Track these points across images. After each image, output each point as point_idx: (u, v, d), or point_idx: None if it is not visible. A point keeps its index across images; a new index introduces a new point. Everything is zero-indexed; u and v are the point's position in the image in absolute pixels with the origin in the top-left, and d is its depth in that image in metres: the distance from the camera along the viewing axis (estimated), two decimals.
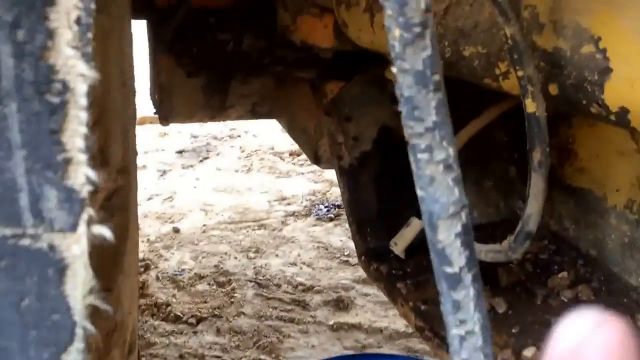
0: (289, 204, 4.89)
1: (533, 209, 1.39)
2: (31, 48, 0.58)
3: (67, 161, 0.59)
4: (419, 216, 2.00)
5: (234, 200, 4.89)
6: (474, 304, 0.58)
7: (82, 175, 0.60)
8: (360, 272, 3.78)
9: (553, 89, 1.34)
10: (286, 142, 5.62)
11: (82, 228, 0.62)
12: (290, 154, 5.66)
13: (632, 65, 1.15)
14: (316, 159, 2.64)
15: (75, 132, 0.59)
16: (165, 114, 2.95)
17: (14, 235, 0.61)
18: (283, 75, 2.62)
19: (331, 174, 4.91)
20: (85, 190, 0.61)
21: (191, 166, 5.50)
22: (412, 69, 0.55)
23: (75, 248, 0.63)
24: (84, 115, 0.59)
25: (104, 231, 0.62)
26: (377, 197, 2.01)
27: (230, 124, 5.84)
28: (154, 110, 3.07)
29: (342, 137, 2.06)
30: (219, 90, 2.99)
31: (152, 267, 3.98)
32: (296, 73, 2.53)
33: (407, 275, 1.78)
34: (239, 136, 6.03)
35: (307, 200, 4.93)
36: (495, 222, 1.99)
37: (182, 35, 2.73)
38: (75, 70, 0.58)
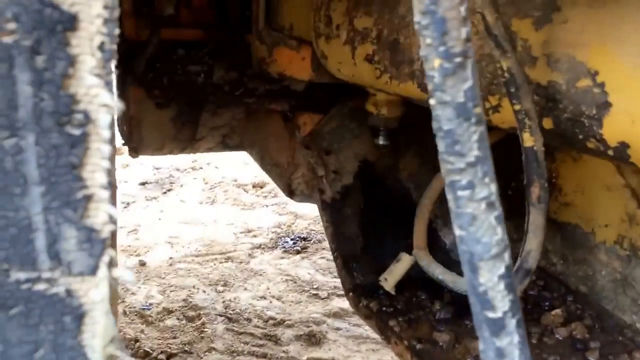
0: (254, 236, 4.83)
1: (532, 245, 1.36)
2: (51, 75, 0.53)
3: (88, 198, 0.55)
4: (406, 250, 1.99)
5: (199, 233, 4.82)
6: (519, 352, 0.54)
7: (103, 213, 0.56)
8: (331, 306, 3.73)
9: (547, 123, 1.32)
10: (249, 174, 5.57)
11: (102, 271, 0.57)
12: (254, 186, 5.61)
13: (632, 99, 1.13)
14: (290, 192, 2.59)
15: (97, 167, 0.55)
16: (135, 145, 2.89)
17: (28, 280, 0.57)
18: (255, 107, 2.57)
19: (295, 206, 4.88)
20: (106, 230, 0.56)
21: (155, 198, 5.42)
22: (452, 101, 0.52)
23: (94, 293, 0.58)
24: (106, 149, 0.54)
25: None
26: (362, 231, 1.97)
27: (192, 155, 5.77)
28: (122, 142, 3.01)
29: (323, 171, 2.03)
30: (189, 122, 2.94)
31: (119, 301, 3.88)
32: (268, 105, 2.50)
33: (398, 312, 1.74)
34: (202, 168, 5.96)
35: (272, 232, 4.88)
36: None
37: (152, 67, 2.69)
38: (98, 100, 0.53)
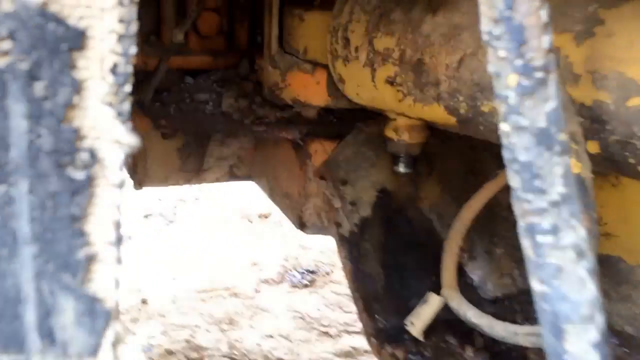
0: (260, 269, 4.70)
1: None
2: (52, 106, 0.42)
3: (91, 258, 0.43)
4: (432, 288, 1.87)
5: (203, 267, 4.69)
6: None
7: (109, 277, 0.44)
8: (342, 345, 3.60)
9: (593, 147, 1.21)
10: (255, 204, 5.45)
11: (106, 352, 0.45)
12: (260, 216, 5.50)
13: None
14: (301, 224, 2.47)
15: (104, 219, 0.43)
16: (140, 177, 2.79)
17: None
18: (265, 135, 2.47)
19: (302, 237, 4.76)
20: (112, 299, 0.44)
21: (158, 231, 5.30)
22: (531, 125, 0.41)
23: None
24: (116, 195, 0.43)
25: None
26: (383, 268, 1.85)
27: (197, 185, 5.64)
28: (128, 174, 2.92)
29: (339, 202, 1.91)
30: (196, 152, 2.85)
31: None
32: (279, 133, 2.39)
33: None
34: (207, 198, 5.84)
35: (279, 265, 4.75)
36: (512, 295, 1.84)
37: (158, 96, 2.60)
38: (108, 134, 0.42)
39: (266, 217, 5.45)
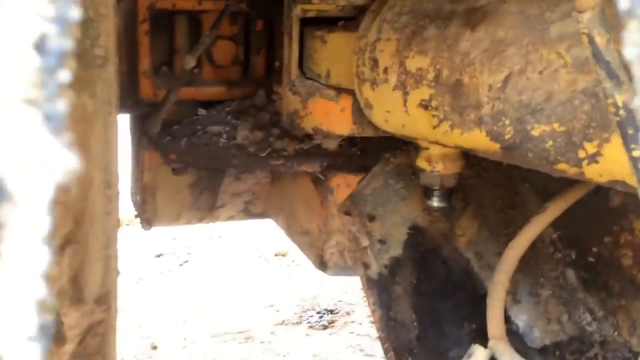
0: (277, 310, 4.51)
1: None
2: None
3: None
4: (473, 339, 1.69)
5: (216, 309, 4.51)
6: None
7: None
8: None
9: None
10: (271, 243, 5.28)
11: None
12: (276, 255, 5.33)
13: None
14: (322, 264, 2.30)
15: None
16: (148, 216, 2.64)
17: None
18: (282, 169, 2.32)
19: (320, 275, 4.57)
20: None
21: (170, 271, 5.12)
22: None
23: None
24: (38, 254, 0.26)
25: None
26: (416, 314, 1.67)
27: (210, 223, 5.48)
28: (135, 213, 2.77)
29: (367, 240, 1.75)
30: (208, 188, 2.70)
31: None
32: (297, 167, 2.23)
33: None
34: (220, 236, 5.67)
35: (296, 305, 4.56)
36: (561, 342, 1.65)
37: (168, 129, 2.45)
38: (29, 153, 0.26)
39: (283, 256, 5.28)
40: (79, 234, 0.70)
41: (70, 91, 0.30)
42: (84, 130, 0.75)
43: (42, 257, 0.28)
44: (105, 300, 0.84)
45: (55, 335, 0.42)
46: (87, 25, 0.85)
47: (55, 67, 0.29)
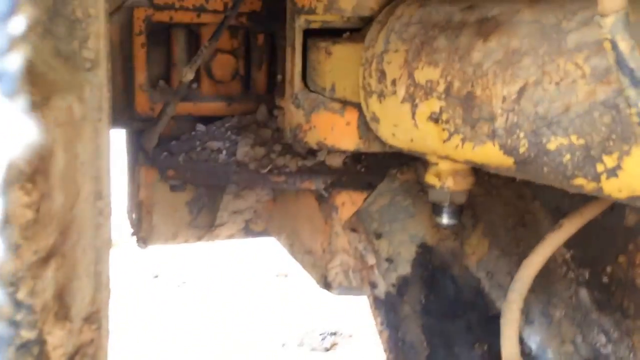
0: (277, 332, 4.45)
1: None
2: None
3: None
4: (491, 359, 1.63)
5: (216, 331, 4.44)
6: None
7: None
8: None
9: None
10: (272, 263, 5.23)
11: None
12: (277, 276, 5.27)
13: None
14: (326, 284, 2.24)
15: None
16: (145, 235, 2.58)
17: None
18: (284, 187, 2.26)
19: (322, 295, 4.53)
20: None
21: (167, 293, 5.05)
22: None
23: None
24: None
25: None
26: (425, 335, 1.61)
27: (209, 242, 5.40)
28: (131, 231, 2.71)
29: (374, 259, 1.69)
30: (207, 206, 2.64)
31: None
32: (300, 184, 2.18)
33: None
34: (220, 256, 5.60)
35: (297, 326, 4.50)
36: None
37: (166, 145, 2.40)
38: None
39: (285, 276, 5.23)
40: (64, 246, 0.65)
41: (28, 44, 0.25)
42: (71, 135, 0.69)
43: None
44: (96, 319, 0.79)
45: (37, 355, 0.37)
46: (74, 25, 0.80)
47: (5, 15, 0.24)
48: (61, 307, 0.61)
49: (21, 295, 0.55)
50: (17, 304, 0.55)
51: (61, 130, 0.51)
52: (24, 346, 0.49)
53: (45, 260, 0.42)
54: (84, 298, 0.75)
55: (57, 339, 0.44)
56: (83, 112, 0.77)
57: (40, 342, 0.54)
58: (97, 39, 0.86)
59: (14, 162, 0.38)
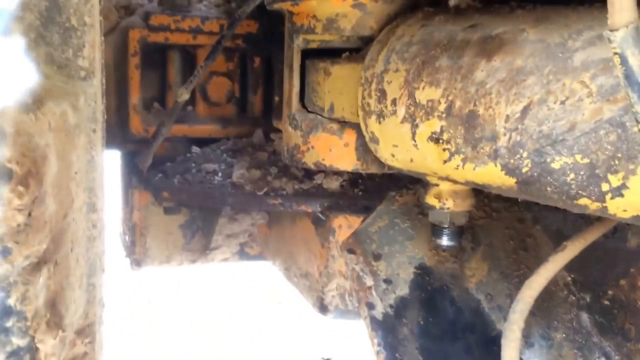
0: (272, 357, 4.41)
1: None
2: None
3: None
4: None
5: (211, 356, 4.39)
6: None
7: None
8: None
9: None
10: (267, 288, 5.20)
11: None
12: (272, 302, 5.24)
13: None
14: (322, 308, 2.22)
15: None
16: (138, 257, 2.56)
17: None
18: (280, 209, 2.24)
19: (317, 321, 4.51)
20: None
21: (161, 318, 5.00)
22: None
23: None
24: None
25: None
26: (423, 357, 1.59)
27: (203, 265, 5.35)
28: (124, 254, 2.68)
29: (372, 280, 1.66)
30: (202, 229, 2.62)
31: None
32: (297, 207, 2.16)
33: None
34: (214, 279, 5.55)
35: (292, 352, 4.46)
36: None
37: (161, 167, 2.38)
38: None
39: (279, 303, 5.19)
40: (57, 254, 0.63)
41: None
42: (65, 141, 0.68)
43: None
44: (89, 332, 0.77)
45: None
46: (69, 33, 0.79)
47: None
48: (53, 316, 0.59)
49: (12, 300, 0.53)
50: (8, 310, 0.53)
51: (55, 136, 0.49)
52: (15, 354, 0.46)
53: (37, 266, 0.40)
54: (77, 310, 0.72)
55: (50, 347, 0.42)
56: (77, 121, 0.75)
57: (32, 349, 0.51)
58: (93, 48, 0.85)
59: (5, 163, 0.35)
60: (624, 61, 0.92)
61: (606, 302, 1.62)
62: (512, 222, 1.83)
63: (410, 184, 1.91)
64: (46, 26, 0.74)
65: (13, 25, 0.61)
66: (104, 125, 1.00)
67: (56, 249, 0.62)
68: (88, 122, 0.84)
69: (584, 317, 1.66)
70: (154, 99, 2.52)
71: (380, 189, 2.11)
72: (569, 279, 1.70)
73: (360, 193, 2.16)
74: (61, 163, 0.62)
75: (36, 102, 0.60)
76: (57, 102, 0.56)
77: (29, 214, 0.54)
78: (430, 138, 1.44)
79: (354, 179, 2.20)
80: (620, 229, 1.59)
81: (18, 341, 0.41)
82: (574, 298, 1.68)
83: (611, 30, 0.92)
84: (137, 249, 2.58)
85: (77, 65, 0.82)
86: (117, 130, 2.42)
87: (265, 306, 5.27)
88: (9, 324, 0.53)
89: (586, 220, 1.58)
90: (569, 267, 1.68)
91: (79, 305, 0.74)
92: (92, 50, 0.86)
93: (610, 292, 1.61)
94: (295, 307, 4.69)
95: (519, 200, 1.79)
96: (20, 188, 0.53)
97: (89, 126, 0.83)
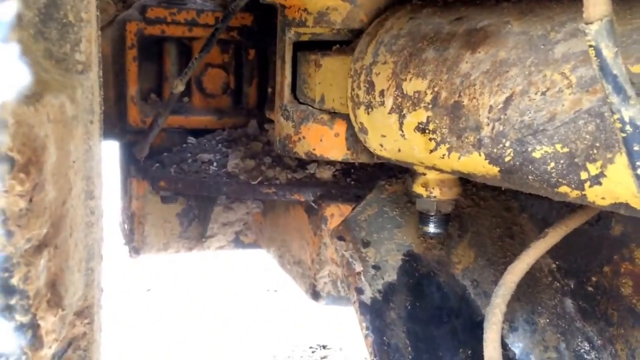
0: (268, 345, 4.44)
1: None
2: None
3: None
4: None
5: (206, 346, 4.43)
6: None
7: None
8: None
9: None
10: (262, 276, 5.23)
11: None
12: (267, 290, 5.27)
13: None
14: (314, 294, 2.26)
15: None
16: (137, 245, 2.60)
17: None
18: (274, 198, 2.28)
19: (311, 309, 4.55)
20: None
21: (160, 306, 5.04)
22: None
23: None
24: None
25: None
26: (410, 340, 1.62)
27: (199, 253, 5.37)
28: (122, 241, 2.73)
29: (361, 266, 1.71)
30: (198, 218, 2.66)
31: None
32: (290, 196, 2.20)
33: None
34: (210, 268, 5.59)
35: (287, 340, 4.50)
36: None
37: (158, 157, 2.42)
38: None
39: (275, 291, 5.23)
40: (57, 238, 0.67)
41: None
42: (63, 132, 0.72)
43: None
44: (88, 314, 0.81)
45: (31, 339, 0.39)
46: (66, 29, 0.82)
47: None
48: (54, 295, 0.63)
49: (15, 280, 0.57)
50: (12, 289, 0.57)
51: (53, 127, 0.53)
52: (18, 329, 0.50)
53: (38, 249, 0.43)
54: (76, 292, 0.76)
55: (50, 324, 0.45)
56: (75, 112, 0.79)
57: (34, 325, 0.56)
58: (89, 42, 0.89)
59: (7, 151, 0.39)
60: (598, 53, 0.96)
61: (590, 288, 1.66)
62: (499, 211, 1.87)
63: (400, 174, 1.95)
64: (45, 22, 0.77)
65: (12, 29, 0.65)
66: (101, 116, 1.04)
67: (56, 234, 0.66)
68: (85, 114, 0.87)
69: (568, 302, 1.70)
70: (151, 91, 2.56)
71: (372, 178, 2.14)
72: (554, 265, 1.74)
73: (352, 182, 2.20)
74: (60, 152, 0.65)
75: (36, 95, 0.64)
76: (55, 95, 0.59)
77: (30, 200, 0.58)
78: (417, 128, 1.48)
79: (346, 168, 2.24)
80: (604, 217, 1.63)
81: (21, 318, 0.45)
82: (558, 284, 1.72)
83: (586, 24, 0.96)
84: (135, 237, 2.62)
85: (74, 60, 0.85)
86: (115, 122, 2.45)
87: (260, 294, 5.31)
88: (12, 301, 0.57)
89: (571, 209, 1.62)
90: (554, 254, 1.72)
91: (77, 287, 0.78)
92: (89, 45, 0.89)
93: (593, 279, 1.65)
94: (290, 295, 4.74)
95: (505, 189, 1.83)
96: (22, 175, 0.57)
97: (86, 117, 0.87)
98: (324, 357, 4.26)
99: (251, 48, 2.59)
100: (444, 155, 1.44)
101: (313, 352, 4.32)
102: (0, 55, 0.30)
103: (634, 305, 1.58)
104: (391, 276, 1.72)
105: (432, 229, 1.67)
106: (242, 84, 2.63)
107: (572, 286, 1.70)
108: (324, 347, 4.34)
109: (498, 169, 1.32)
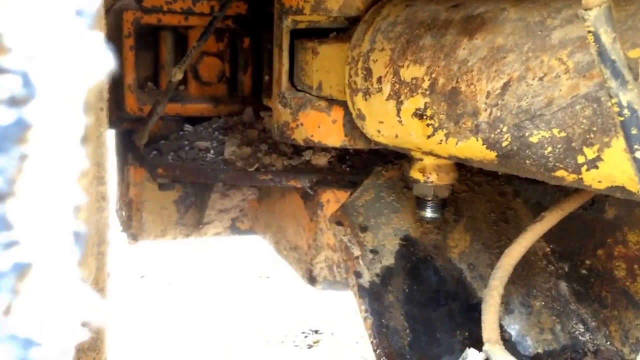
0: (260, 329, 4.46)
1: None
2: None
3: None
4: (465, 344, 1.67)
5: (200, 330, 4.45)
6: None
7: None
8: None
9: None
10: (257, 261, 5.24)
11: None
12: (261, 276, 5.29)
13: None
14: (311, 279, 2.28)
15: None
16: (134, 231, 2.62)
17: None
18: (270, 185, 2.30)
19: (304, 294, 4.57)
20: None
21: (154, 292, 5.05)
22: None
23: None
24: (78, 158, 0.25)
25: None
26: (408, 322, 1.65)
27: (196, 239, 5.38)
28: (120, 228, 2.75)
29: (359, 250, 1.73)
30: (195, 204, 2.68)
31: None
32: (287, 182, 2.22)
33: None
34: (205, 254, 5.60)
35: (280, 324, 4.52)
36: (554, 351, 1.65)
37: (155, 145, 2.44)
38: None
39: (267, 278, 5.24)
40: None
41: None
42: None
43: (76, 160, 0.26)
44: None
45: None
46: None
47: None
48: None
49: None
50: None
51: None
52: None
53: None
54: (89, 276, 0.78)
55: None
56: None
57: None
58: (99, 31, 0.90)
59: (94, 87, 0.40)
60: (597, 39, 0.98)
61: (584, 271, 1.69)
62: (494, 195, 1.90)
63: (395, 160, 1.97)
64: None
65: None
66: (107, 104, 1.06)
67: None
68: (97, 102, 0.89)
69: (563, 285, 1.74)
70: (148, 79, 2.58)
71: (367, 164, 2.17)
72: (548, 249, 1.77)
73: (347, 169, 2.23)
74: None
75: None
76: None
77: None
78: (415, 114, 1.50)
79: (341, 155, 2.27)
80: (598, 200, 1.66)
81: (80, 225, 0.45)
82: (552, 267, 1.75)
83: (585, 9, 0.98)
84: (133, 223, 2.64)
85: None
86: (113, 110, 2.47)
87: (252, 280, 5.33)
88: (73, 209, 0.58)
89: (564, 193, 1.65)
90: (548, 237, 1.75)
91: (91, 270, 0.80)
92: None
93: (587, 262, 1.69)
94: (282, 282, 4.76)
95: (500, 174, 1.86)
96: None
97: (98, 105, 0.89)
98: (316, 342, 4.29)
99: (246, 36, 2.60)
100: (441, 140, 1.46)
101: (305, 336, 4.35)
102: (90, 42, 0.31)
103: (627, 287, 1.61)
104: (389, 260, 1.75)
105: (429, 213, 1.70)
106: (237, 72, 2.65)
107: (566, 269, 1.74)
108: (316, 331, 4.37)
109: (495, 154, 1.34)
